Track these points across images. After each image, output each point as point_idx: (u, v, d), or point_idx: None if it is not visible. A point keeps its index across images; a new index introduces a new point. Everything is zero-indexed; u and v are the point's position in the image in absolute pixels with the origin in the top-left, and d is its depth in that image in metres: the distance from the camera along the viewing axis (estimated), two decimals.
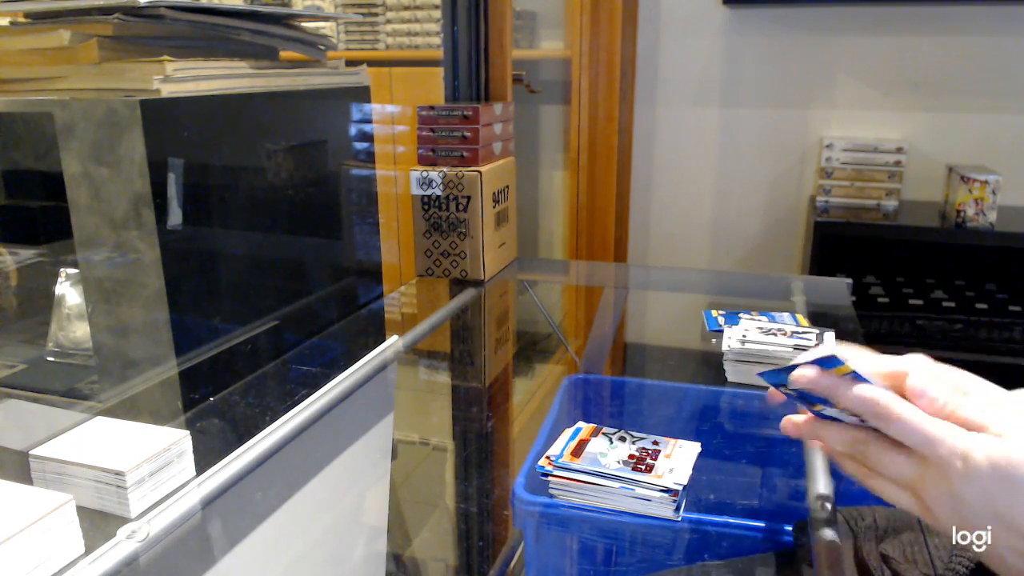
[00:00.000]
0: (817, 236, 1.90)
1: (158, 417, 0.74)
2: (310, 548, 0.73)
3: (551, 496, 0.70)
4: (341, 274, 1.06)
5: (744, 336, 0.91)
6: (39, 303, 0.95)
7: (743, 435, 0.91)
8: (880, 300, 1.97)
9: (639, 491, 0.67)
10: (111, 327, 0.75)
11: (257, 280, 0.88)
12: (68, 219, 0.73)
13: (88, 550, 0.49)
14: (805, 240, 2.15)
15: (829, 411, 0.51)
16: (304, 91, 0.93)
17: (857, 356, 0.50)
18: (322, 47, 0.97)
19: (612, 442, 0.74)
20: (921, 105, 2.06)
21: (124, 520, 0.53)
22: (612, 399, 1.01)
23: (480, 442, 1.02)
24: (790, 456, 0.85)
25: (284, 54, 0.94)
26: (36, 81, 0.74)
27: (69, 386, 0.82)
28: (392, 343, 0.89)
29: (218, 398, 0.77)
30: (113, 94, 0.71)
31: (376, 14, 2.27)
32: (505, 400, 1.15)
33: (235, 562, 0.60)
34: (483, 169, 1.18)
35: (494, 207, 1.24)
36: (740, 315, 1.03)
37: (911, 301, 1.95)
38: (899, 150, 2.00)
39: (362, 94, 1.06)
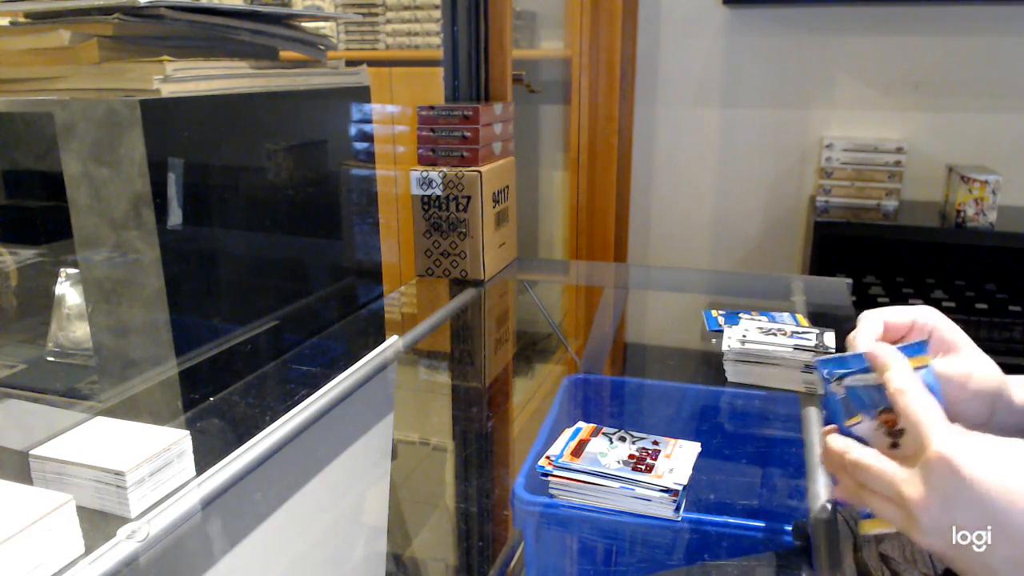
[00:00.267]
0: (817, 236, 1.90)
1: (158, 417, 0.74)
2: (310, 548, 0.73)
3: (551, 496, 0.70)
4: (341, 274, 1.06)
5: (744, 336, 0.91)
6: (39, 303, 0.95)
7: (743, 435, 0.91)
8: (880, 300, 1.96)
9: (639, 491, 0.67)
10: (111, 327, 0.75)
11: (257, 280, 0.88)
12: (68, 219, 0.73)
13: (88, 550, 0.49)
14: (805, 240, 2.15)
15: (857, 429, 0.51)
16: (304, 91, 0.93)
17: (872, 314, 0.55)
18: (322, 47, 0.97)
19: (612, 442, 0.74)
20: (921, 105, 2.06)
21: (124, 520, 0.53)
22: (612, 399, 1.01)
23: (480, 442, 1.02)
24: (790, 456, 0.85)
25: (284, 54, 0.94)
26: (36, 81, 0.74)
27: (69, 386, 0.82)
28: (392, 343, 0.89)
29: (218, 398, 0.77)
30: (113, 94, 0.71)
31: (376, 14, 2.26)
32: (505, 400, 1.14)
33: (235, 562, 0.60)
34: (483, 169, 1.18)
35: (494, 207, 1.24)
36: (740, 315, 1.03)
37: (911, 301, 1.95)
38: (899, 150, 2.00)
39: (362, 94, 1.06)
